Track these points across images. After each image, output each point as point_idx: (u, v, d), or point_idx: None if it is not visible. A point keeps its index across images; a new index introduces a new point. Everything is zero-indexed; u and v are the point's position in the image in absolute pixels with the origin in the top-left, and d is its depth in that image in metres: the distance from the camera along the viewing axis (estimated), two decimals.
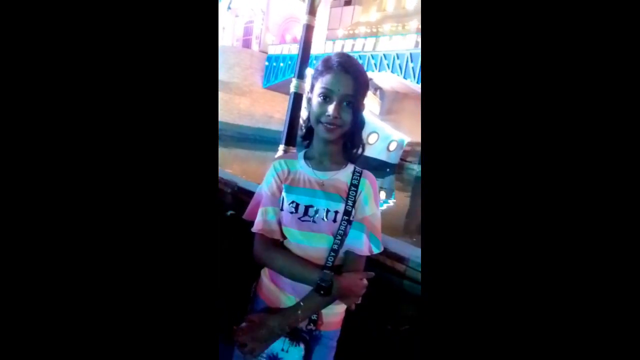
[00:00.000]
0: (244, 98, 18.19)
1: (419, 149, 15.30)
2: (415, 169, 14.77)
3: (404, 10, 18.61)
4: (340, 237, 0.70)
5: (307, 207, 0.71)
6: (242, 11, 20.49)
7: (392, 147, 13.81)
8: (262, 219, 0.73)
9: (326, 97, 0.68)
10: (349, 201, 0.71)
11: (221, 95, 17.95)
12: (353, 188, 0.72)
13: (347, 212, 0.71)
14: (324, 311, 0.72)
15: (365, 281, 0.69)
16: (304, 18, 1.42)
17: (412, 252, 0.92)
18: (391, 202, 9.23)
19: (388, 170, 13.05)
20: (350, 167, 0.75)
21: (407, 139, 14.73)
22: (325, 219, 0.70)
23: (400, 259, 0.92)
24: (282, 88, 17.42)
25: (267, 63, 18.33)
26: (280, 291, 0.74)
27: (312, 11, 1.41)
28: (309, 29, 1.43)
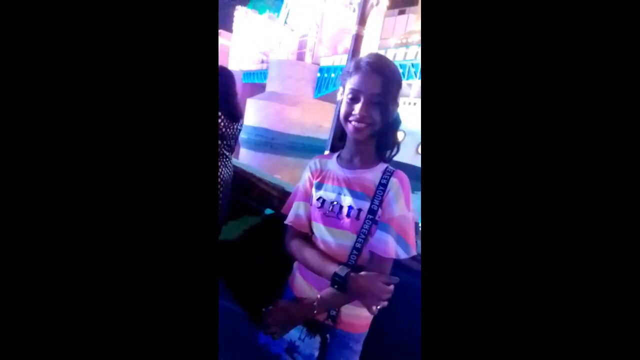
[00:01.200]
0: (295, 108, 18.92)
1: None
2: None
3: None
4: (363, 236, 0.68)
5: (331, 203, 0.72)
6: (298, 26, 21.51)
7: None
8: (293, 212, 0.78)
9: (354, 97, 0.68)
10: (375, 200, 0.69)
11: (274, 106, 18.93)
12: (381, 187, 0.70)
13: (371, 211, 0.69)
14: (345, 311, 0.72)
15: (390, 287, 0.66)
16: (353, 28, 1.45)
17: None
18: None
19: None
20: (381, 167, 0.74)
21: None
22: (348, 216, 0.70)
23: None
24: (332, 98, 17.73)
25: (318, 74, 18.89)
26: (306, 283, 0.76)
27: (362, 21, 1.44)
28: (358, 39, 1.45)
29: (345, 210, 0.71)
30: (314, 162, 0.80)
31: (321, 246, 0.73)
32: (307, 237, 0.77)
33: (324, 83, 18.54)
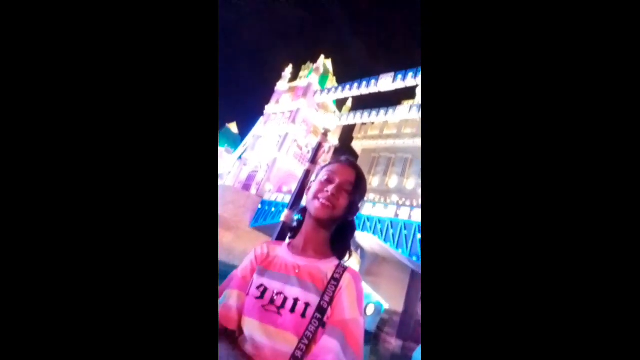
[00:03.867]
0: (228, 233, 18.33)
1: (397, 319, 14.19)
2: (393, 343, 13.16)
3: (387, 187, 21.85)
4: (306, 341, 0.57)
5: (275, 294, 0.62)
6: (251, 162, 23.89)
7: (370, 310, 12.85)
8: (221, 302, 0.64)
9: (329, 179, 0.72)
10: (325, 296, 0.61)
11: None
12: (333, 282, 0.64)
13: (320, 309, 0.60)
14: None
15: None
16: (305, 165, 1.69)
17: None
18: None
19: None
20: (334, 261, 0.70)
21: (385, 305, 13.90)
22: (293, 311, 0.60)
23: None
24: (267, 230, 17.90)
25: (260, 206, 19.65)
26: None
27: (313, 160, 1.70)
28: (308, 174, 1.67)
29: (289, 303, 0.61)
30: (260, 247, 0.74)
31: (249, 350, 0.59)
32: (232, 338, 0.63)
33: (262, 214, 19.06)
